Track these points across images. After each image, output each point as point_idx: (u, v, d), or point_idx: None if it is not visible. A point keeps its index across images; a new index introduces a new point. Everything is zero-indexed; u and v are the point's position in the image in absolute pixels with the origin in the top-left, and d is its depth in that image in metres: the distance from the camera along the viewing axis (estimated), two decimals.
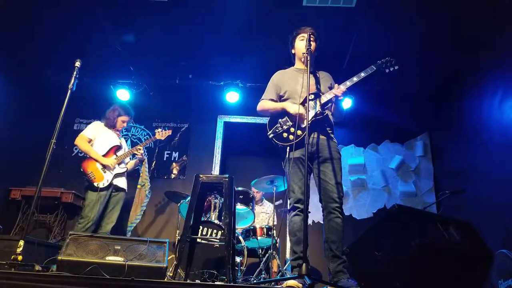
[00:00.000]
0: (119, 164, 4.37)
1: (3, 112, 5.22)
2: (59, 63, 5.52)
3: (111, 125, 4.52)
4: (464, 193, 4.39)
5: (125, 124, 4.61)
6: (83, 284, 1.82)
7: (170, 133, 4.81)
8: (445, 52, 5.07)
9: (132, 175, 5.37)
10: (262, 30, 5.00)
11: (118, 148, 4.45)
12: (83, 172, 4.16)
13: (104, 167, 4.24)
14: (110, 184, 4.23)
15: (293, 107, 3.04)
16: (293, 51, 3.36)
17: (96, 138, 4.39)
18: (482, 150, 4.64)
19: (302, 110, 2.92)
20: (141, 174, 5.21)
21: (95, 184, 4.12)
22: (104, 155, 4.30)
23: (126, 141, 6.20)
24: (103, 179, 4.18)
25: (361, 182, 5.97)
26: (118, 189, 4.35)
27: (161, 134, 4.69)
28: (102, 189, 4.14)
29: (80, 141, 4.30)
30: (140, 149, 4.51)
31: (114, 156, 4.36)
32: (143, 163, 5.04)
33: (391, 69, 3.14)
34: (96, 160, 4.22)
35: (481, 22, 4.41)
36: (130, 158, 4.65)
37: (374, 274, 2.09)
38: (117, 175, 4.33)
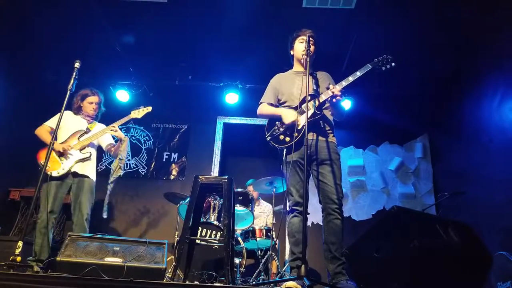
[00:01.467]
0: (81, 149, 3.91)
1: (2, 112, 5.22)
2: (59, 64, 5.52)
3: (79, 111, 4.12)
4: (463, 194, 4.39)
5: (94, 106, 4.14)
6: (82, 285, 1.81)
7: (150, 110, 4.30)
8: (444, 53, 5.08)
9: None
10: (262, 31, 5.01)
11: (82, 133, 3.99)
12: (37, 162, 3.78)
13: (59, 153, 3.79)
14: (68, 172, 3.78)
15: (288, 117, 3.02)
16: (292, 53, 3.36)
17: (62, 127, 3.92)
18: (481, 151, 4.64)
19: (297, 117, 2.93)
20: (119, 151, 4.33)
21: (48, 173, 3.66)
22: (64, 142, 3.89)
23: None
24: (59, 167, 3.74)
25: (360, 184, 5.97)
26: (78, 176, 3.85)
27: (137, 112, 4.21)
28: (55, 178, 3.71)
29: (40, 130, 3.92)
30: (114, 126, 4.00)
31: (76, 142, 3.92)
32: (124, 140, 4.20)
33: (388, 66, 3.10)
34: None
35: (480, 23, 4.42)
36: (114, 144, 4.21)
37: (373, 275, 2.09)
38: (79, 161, 3.87)
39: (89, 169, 3.96)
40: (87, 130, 4.04)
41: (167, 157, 6.23)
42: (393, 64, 3.10)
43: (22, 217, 5.08)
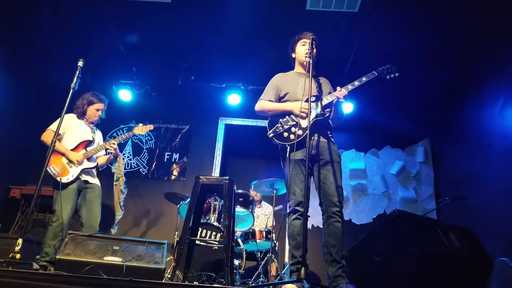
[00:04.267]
0: (88, 159, 4.01)
1: (5, 110, 5.23)
2: (62, 63, 5.54)
3: (83, 116, 4.14)
4: (465, 200, 4.38)
5: (99, 113, 4.19)
6: (81, 283, 1.81)
7: (152, 128, 4.42)
8: (447, 58, 5.08)
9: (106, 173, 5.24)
10: (265, 33, 5.02)
11: (89, 143, 4.09)
12: (48, 166, 3.78)
13: (71, 161, 3.89)
14: (77, 179, 3.89)
15: (297, 106, 3.05)
16: (293, 55, 3.37)
17: (67, 132, 4.02)
18: (483, 157, 4.63)
19: (306, 105, 2.94)
20: (115, 171, 4.72)
21: (58, 179, 3.78)
22: (73, 150, 3.96)
23: (127, 142, 6.21)
24: (68, 174, 3.84)
25: (361, 187, 5.96)
26: (89, 183, 4.00)
27: (140, 129, 4.30)
28: (66, 184, 3.81)
29: (46, 137, 3.94)
30: (114, 143, 4.10)
31: (83, 151, 4.01)
32: (118, 158, 4.50)
33: (392, 75, 3.19)
34: (63, 154, 3.89)
35: (482, 29, 4.42)
36: (105, 154, 4.32)
37: (373, 279, 2.08)
38: (85, 171, 3.98)
39: (96, 177, 4.13)
40: (92, 140, 4.15)
41: (168, 157, 6.24)
42: (396, 74, 3.18)
43: (22, 215, 5.09)
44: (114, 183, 4.48)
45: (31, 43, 5.38)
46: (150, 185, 6.02)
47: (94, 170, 4.12)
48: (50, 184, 3.88)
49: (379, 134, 6.13)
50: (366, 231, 2.26)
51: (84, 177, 3.97)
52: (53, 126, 4.00)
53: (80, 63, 3.21)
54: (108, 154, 4.31)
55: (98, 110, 4.17)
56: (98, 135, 4.29)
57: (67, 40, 5.30)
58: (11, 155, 5.37)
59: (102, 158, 4.24)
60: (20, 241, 2.52)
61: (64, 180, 3.81)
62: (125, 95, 6.04)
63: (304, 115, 2.98)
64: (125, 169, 4.40)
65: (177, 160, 6.22)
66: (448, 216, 4.99)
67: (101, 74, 5.95)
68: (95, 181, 4.07)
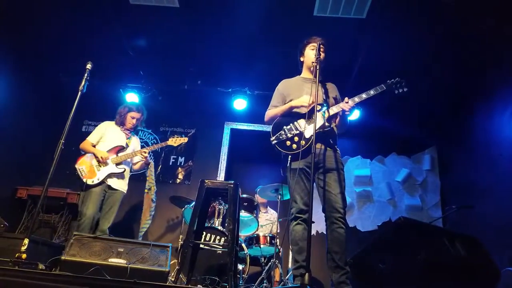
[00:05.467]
0: (117, 164, 4.20)
1: (13, 112, 5.28)
2: (70, 66, 5.59)
3: (121, 122, 4.42)
4: (471, 209, 4.34)
5: (134, 121, 4.45)
6: (85, 284, 1.82)
7: (186, 141, 4.58)
8: (455, 65, 5.06)
9: (138, 178, 5.40)
10: (272, 39, 5.03)
11: (121, 148, 4.30)
12: (74, 167, 4.08)
13: (98, 161, 4.10)
14: (102, 182, 4.07)
15: (300, 100, 3.08)
16: (301, 59, 3.38)
17: (103, 138, 4.31)
18: (490, 165, 4.59)
19: (306, 98, 2.99)
20: (147, 178, 5.13)
21: (84, 180, 3.99)
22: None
23: None
24: (94, 177, 4.04)
25: (366, 194, 5.93)
26: (112, 189, 4.17)
27: (174, 140, 4.48)
28: (91, 186, 4.00)
29: (84, 146, 4.24)
30: (145, 152, 4.30)
31: (114, 156, 4.22)
32: (149, 166, 4.85)
33: (400, 90, 3.17)
34: (92, 153, 4.13)
35: (491, 37, 4.40)
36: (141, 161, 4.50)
37: (377, 286, 2.07)
38: (112, 175, 4.16)
39: (123, 183, 4.29)
40: (126, 146, 4.35)
41: (173, 160, 6.26)
42: (405, 89, 3.16)
43: (29, 215, 5.11)
44: (145, 190, 4.75)
45: (40, 46, 5.44)
46: (156, 188, 6.02)
47: (126, 175, 4.31)
48: (77, 186, 4.14)
49: (385, 141, 6.11)
50: (371, 238, 2.25)
51: (109, 182, 4.13)
52: (91, 137, 4.30)
53: (89, 66, 3.25)
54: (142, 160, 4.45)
55: (133, 118, 4.43)
56: (134, 142, 4.50)
57: (76, 43, 5.35)
58: (18, 156, 5.41)
59: (138, 164, 4.45)
60: (26, 241, 2.53)
61: (89, 182, 4.00)
62: (132, 98, 6.08)
63: (304, 110, 2.99)
64: (130, 171, 4.44)
65: (182, 164, 6.24)
66: (455, 225, 4.95)
67: (109, 77, 6.00)
68: (120, 186, 4.22)
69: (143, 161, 4.40)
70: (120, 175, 4.23)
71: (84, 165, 4.07)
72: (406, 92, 3.16)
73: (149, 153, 4.35)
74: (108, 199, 4.15)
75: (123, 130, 4.42)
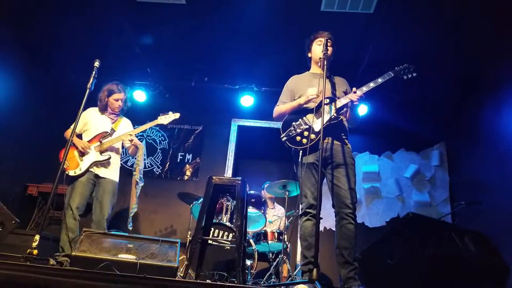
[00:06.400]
0: (102, 152, 3.94)
1: (23, 109, 5.35)
2: (78, 63, 5.62)
3: (104, 108, 4.13)
4: (480, 204, 4.31)
5: (120, 103, 4.14)
6: (96, 279, 1.84)
7: (178, 116, 4.31)
8: (464, 60, 5.01)
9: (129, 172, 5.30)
10: (279, 35, 5.02)
11: (105, 135, 4.02)
12: (58, 160, 3.86)
13: (80, 153, 3.88)
14: (86, 172, 3.84)
15: (306, 93, 3.09)
16: (309, 55, 3.37)
17: (86, 126, 4.05)
18: (500, 161, 4.55)
19: (311, 91, 3.03)
20: (136, 163, 4.56)
21: (67, 172, 3.78)
22: (88, 142, 3.97)
23: (141, 141, 6.27)
24: (76, 167, 3.83)
25: (374, 190, 5.91)
26: (100, 177, 3.91)
27: (164, 118, 4.22)
28: (75, 177, 3.80)
29: (68, 133, 3.98)
30: (131, 134, 4.02)
31: (97, 143, 3.96)
32: (140, 148, 4.29)
33: (409, 75, 3.12)
34: (74, 145, 3.87)
35: (500, 31, 4.34)
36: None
37: (386, 282, 2.06)
38: (98, 163, 3.91)
39: (112, 171, 4.01)
40: (111, 132, 4.07)
41: (181, 157, 6.29)
42: (414, 74, 3.11)
43: (39, 212, 5.19)
44: (133, 173, 4.32)
45: (49, 44, 5.48)
46: (163, 185, 6.07)
47: (114, 162, 4.03)
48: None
49: (394, 137, 6.08)
50: (379, 234, 2.25)
51: (96, 171, 3.89)
52: (73, 124, 3.97)
53: (97, 64, 3.27)
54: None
55: (117, 100, 4.11)
56: (124, 124, 4.21)
57: (83, 41, 5.39)
58: (29, 153, 5.48)
59: (129, 149, 4.17)
60: (37, 237, 2.57)
61: (72, 173, 3.80)
62: (139, 95, 6.11)
63: (312, 105, 2.99)
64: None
65: (190, 161, 6.27)
66: (463, 221, 4.92)
67: (116, 75, 6.01)
68: (108, 175, 3.95)
69: (132, 145, 4.10)
70: (106, 163, 3.95)
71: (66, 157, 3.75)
72: (415, 77, 3.10)
73: (139, 136, 4.00)
74: (98, 188, 3.89)
75: (107, 115, 4.13)
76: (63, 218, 3.72)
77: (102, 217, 3.79)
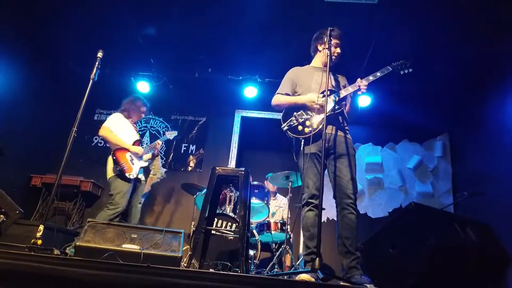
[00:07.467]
0: (139, 157, 4.39)
1: (27, 101, 5.36)
2: (82, 54, 5.62)
3: (130, 115, 4.52)
4: (482, 195, 4.30)
5: (143, 115, 4.66)
6: (100, 268, 1.86)
7: (176, 134, 5.05)
8: (468, 51, 4.96)
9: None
10: (283, 26, 4.99)
11: (140, 142, 4.49)
12: (117, 161, 4.15)
13: (133, 156, 4.28)
14: (136, 177, 4.28)
15: (307, 97, 3.06)
16: (320, 47, 3.32)
17: (121, 129, 4.38)
18: (503, 153, 4.53)
19: (316, 97, 2.98)
20: (152, 167, 5.37)
21: (127, 174, 4.14)
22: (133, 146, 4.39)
23: (145, 133, 6.30)
24: (132, 171, 4.21)
25: (377, 181, 5.91)
26: (140, 181, 4.39)
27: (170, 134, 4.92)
28: (131, 180, 4.19)
29: (106, 133, 4.26)
30: (159, 143, 4.65)
31: (141, 149, 4.45)
32: (156, 158, 5.15)
33: (406, 71, 3.20)
34: (127, 150, 4.26)
35: (506, 22, 4.29)
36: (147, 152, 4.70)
37: (387, 271, 2.07)
38: (141, 168, 4.39)
39: (145, 175, 4.60)
40: (142, 140, 4.63)
41: (185, 148, 6.30)
42: (410, 69, 3.19)
43: (43, 203, 5.23)
44: (151, 175, 5.23)
45: (51, 36, 5.47)
46: (167, 176, 6.10)
47: (142, 169, 4.49)
48: (106, 178, 4.21)
49: (397, 128, 6.06)
50: (382, 224, 2.25)
51: (139, 175, 4.34)
52: (109, 124, 4.32)
53: (100, 55, 3.26)
54: (150, 152, 4.66)
55: (143, 112, 4.62)
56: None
57: (86, 32, 5.37)
58: (32, 144, 5.51)
59: (146, 156, 4.55)
60: (41, 227, 2.59)
61: (131, 176, 4.18)
62: (143, 87, 6.11)
63: (316, 107, 2.98)
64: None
65: (193, 152, 6.28)
66: (466, 211, 4.92)
67: (120, 66, 6.03)
68: (144, 178, 4.48)
69: (150, 154, 4.60)
70: (145, 168, 4.50)
71: (123, 161, 4.19)
72: (411, 73, 3.20)
73: (143, 128, 4.66)
74: (137, 190, 4.33)
75: (131, 123, 4.53)
76: (106, 210, 4.00)
77: (137, 218, 4.31)
